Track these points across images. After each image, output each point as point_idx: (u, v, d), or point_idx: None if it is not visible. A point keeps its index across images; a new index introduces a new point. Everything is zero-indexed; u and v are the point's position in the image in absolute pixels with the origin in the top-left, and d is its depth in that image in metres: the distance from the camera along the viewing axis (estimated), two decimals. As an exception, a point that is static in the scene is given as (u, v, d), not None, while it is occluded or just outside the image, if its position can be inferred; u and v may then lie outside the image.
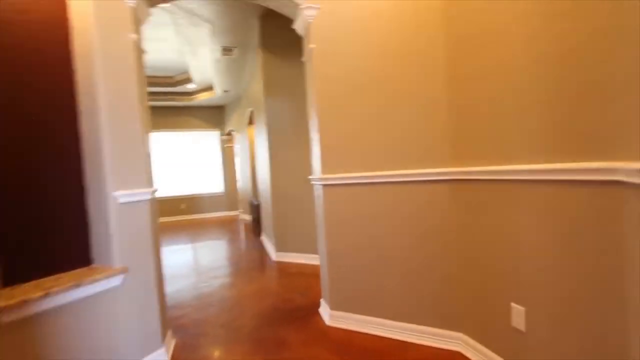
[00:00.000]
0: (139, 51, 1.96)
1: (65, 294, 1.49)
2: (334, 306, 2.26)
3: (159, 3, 2.09)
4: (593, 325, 1.14)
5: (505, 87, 1.46)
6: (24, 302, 1.34)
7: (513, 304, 1.48)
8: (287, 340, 2.09)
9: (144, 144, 1.90)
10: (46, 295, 1.41)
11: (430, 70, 1.88)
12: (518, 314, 1.45)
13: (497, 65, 1.50)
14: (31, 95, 1.59)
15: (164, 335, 1.97)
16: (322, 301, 2.43)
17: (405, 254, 1.99)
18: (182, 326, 2.39)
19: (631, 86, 0.98)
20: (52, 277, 1.59)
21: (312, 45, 2.21)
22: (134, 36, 1.84)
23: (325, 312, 2.33)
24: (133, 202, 1.79)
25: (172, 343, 2.10)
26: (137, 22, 1.96)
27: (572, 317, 1.22)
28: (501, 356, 1.58)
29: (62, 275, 1.63)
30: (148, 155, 1.97)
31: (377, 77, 2.03)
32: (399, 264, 2.01)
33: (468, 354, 1.78)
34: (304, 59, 2.41)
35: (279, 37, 3.79)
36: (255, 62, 4.57)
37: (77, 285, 1.52)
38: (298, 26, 2.39)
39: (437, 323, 1.92)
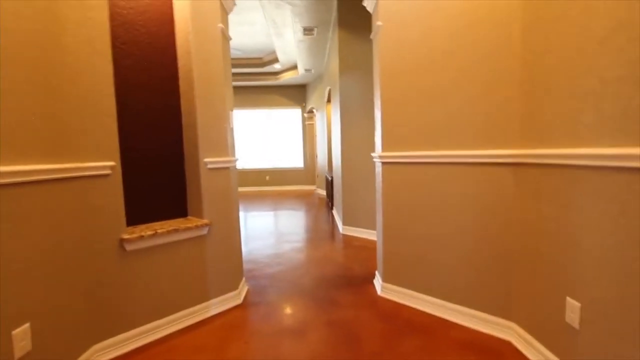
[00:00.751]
0: (225, 38, 2.27)
1: (167, 235, 1.93)
2: (386, 278, 2.37)
3: (242, -6, 2.35)
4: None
5: (583, 63, 1.30)
6: (140, 237, 1.81)
7: (568, 299, 1.39)
8: (340, 301, 2.30)
9: (228, 120, 2.24)
10: (155, 234, 1.86)
11: (501, 48, 1.74)
12: (572, 310, 1.36)
13: (576, 40, 1.33)
14: (149, 82, 2.03)
15: (238, 281, 2.38)
16: (377, 273, 2.55)
17: (461, 236, 1.96)
18: (254, 277, 2.81)
19: None
20: (159, 222, 2.08)
21: (379, 23, 2.23)
22: (220, 25, 2.15)
23: (378, 283, 2.46)
24: (218, 168, 2.16)
25: (245, 288, 2.52)
26: (224, 12, 2.26)
27: (631, 322, 1.11)
28: (552, 351, 1.50)
29: (166, 222, 2.10)
30: (231, 130, 2.32)
31: (442, 54, 1.96)
32: (453, 246, 2.00)
33: (518, 345, 1.72)
34: (371, 36, 2.44)
35: (354, 15, 3.81)
36: (333, 41, 4.66)
37: (176, 230, 1.95)
38: (367, 3, 2.41)
39: (487, 308, 1.88)
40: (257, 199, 7.64)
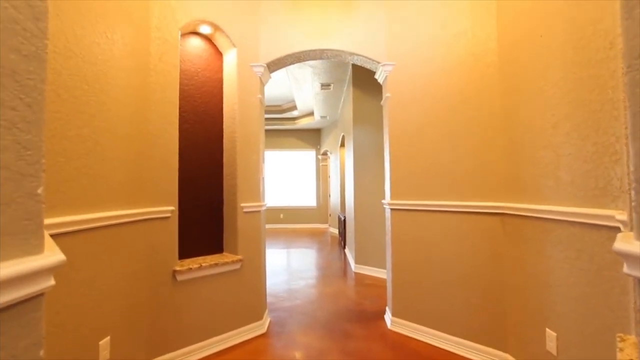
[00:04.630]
0: (262, 106, 2.79)
1: (209, 269, 2.29)
2: (395, 313, 2.63)
3: (275, 70, 2.91)
4: (614, 355, 1.29)
5: (543, 140, 1.70)
6: (189, 269, 2.17)
7: (547, 329, 1.66)
8: (352, 333, 2.56)
9: (261, 170, 2.69)
10: (199, 267, 2.23)
11: (486, 115, 2.18)
12: (551, 339, 1.63)
13: (538, 121, 1.74)
14: (200, 141, 2.51)
15: (263, 312, 2.68)
16: (387, 308, 2.81)
17: (459, 275, 2.26)
18: (275, 309, 3.10)
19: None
20: (201, 257, 2.45)
21: (387, 94, 2.71)
22: (259, 96, 2.67)
23: (388, 317, 2.71)
24: (252, 212, 2.56)
25: (268, 319, 2.80)
26: (262, 85, 2.79)
27: (596, 346, 1.38)
28: (539, 378, 1.74)
29: (207, 257, 2.47)
30: (263, 179, 2.75)
31: (439, 120, 2.41)
32: (453, 283, 2.29)
33: (513, 375, 1.95)
34: (382, 103, 2.92)
35: (367, 78, 4.39)
36: (347, 95, 5.25)
37: (216, 264, 2.32)
38: (378, 77, 2.93)
39: (485, 341, 2.12)
40: (272, 236, 7.96)
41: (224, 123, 2.63)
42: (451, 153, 2.34)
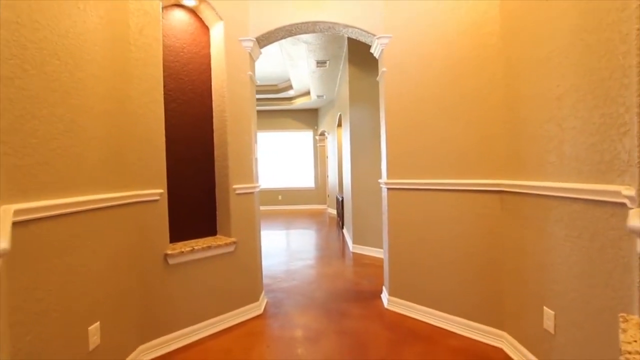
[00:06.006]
0: (253, 83, 2.66)
1: (202, 252, 2.25)
2: (392, 292, 2.62)
3: (266, 45, 2.76)
4: (614, 335, 1.26)
5: (547, 113, 1.60)
6: (181, 253, 2.13)
7: (545, 308, 1.63)
8: (349, 313, 2.56)
9: (253, 151, 2.60)
10: (192, 250, 2.18)
11: (486, 88, 2.07)
12: (548, 317, 1.60)
13: (542, 93, 1.64)
14: (188, 120, 2.41)
15: (259, 293, 2.66)
16: (384, 287, 2.80)
17: (456, 254, 2.22)
18: (272, 290, 3.09)
19: None
20: (193, 240, 2.40)
21: (384, 69, 2.59)
22: (250, 73, 2.54)
23: (385, 297, 2.71)
24: (245, 193, 2.50)
25: (264, 300, 2.79)
26: (252, 61, 2.66)
27: (594, 325, 1.34)
28: (536, 356, 1.73)
29: (199, 240, 2.42)
30: (256, 160, 2.67)
31: (437, 95, 2.30)
32: (450, 262, 2.26)
33: (509, 352, 1.94)
34: (378, 78, 2.80)
35: (363, 53, 4.22)
36: (344, 72, 5.08)
37: (209, 247, 2.27)
38: (374, 50, 2.79)
39: (481, 319, 2.11)
40: (270, 218, 7.96)
41: (214, 102, 2.51)
42: (450, 129, 2.25)
